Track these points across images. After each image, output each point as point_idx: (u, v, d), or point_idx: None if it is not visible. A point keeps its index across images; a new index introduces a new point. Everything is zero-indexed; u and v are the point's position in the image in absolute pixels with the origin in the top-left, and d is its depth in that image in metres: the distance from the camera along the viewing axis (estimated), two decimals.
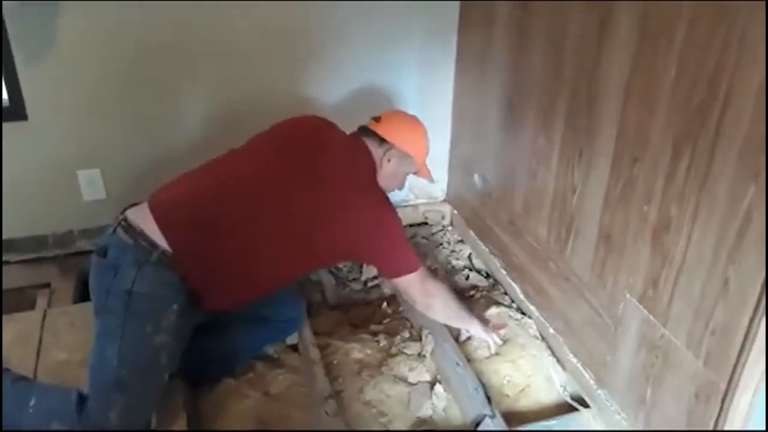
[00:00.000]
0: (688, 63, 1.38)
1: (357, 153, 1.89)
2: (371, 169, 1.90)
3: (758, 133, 1.22)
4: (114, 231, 1.64)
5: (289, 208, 1.70)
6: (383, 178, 1.92)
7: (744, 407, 1.35)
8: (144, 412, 1.59)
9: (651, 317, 1.59)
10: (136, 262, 1.57)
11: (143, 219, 1.63)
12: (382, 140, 1.92)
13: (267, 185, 1.73)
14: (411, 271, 1.87)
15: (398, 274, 1.88)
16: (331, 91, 2.50)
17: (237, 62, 2.37)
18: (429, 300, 1.95)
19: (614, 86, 1.64)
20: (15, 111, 2.18)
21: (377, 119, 1.97)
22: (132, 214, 1.66)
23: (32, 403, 1.56)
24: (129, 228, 1.62)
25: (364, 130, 1.96)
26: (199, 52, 2.30)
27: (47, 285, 2.31)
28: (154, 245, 1.60)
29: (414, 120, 2.03)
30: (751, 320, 1.28)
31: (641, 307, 1.63)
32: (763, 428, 1.35)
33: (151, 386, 1.60)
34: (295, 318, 2.11)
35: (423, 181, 2.78)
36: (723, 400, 1.38)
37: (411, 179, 2.75)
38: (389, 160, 1.92)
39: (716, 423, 1.41)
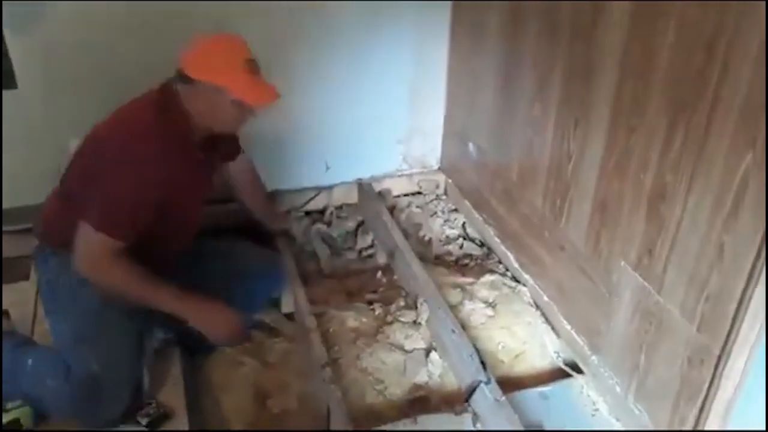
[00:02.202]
0: (686, 29, 1.37)
1: (145, 102, 1.73)
2: (147, 113, 1.69)
3: (756, 100, 1.22)
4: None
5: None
6: (202, 119, 1.72)
7: (737, 373, 1.37)
8: (121, 358, 1.65)
9: (646, 284, 1.61)
10: (43, 259, 1.82)
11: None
12: (187, 78, 1.68)
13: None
14: (102, 231, 1.61)
15: (93, 225, 1.62)
16: (321, 63, 2.47)
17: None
18: (104, 271, 1.66)
19: (611, 54, 1.63)
20: (5, 80, 2.14)
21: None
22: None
23: (30, 362, 1.66)
24: (40, 236, 1.86)
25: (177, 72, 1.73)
26: (190, 22, 2.25)
27: None
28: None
29: (215, 43, 1.73)
30: (746, 286, 1.30)
31: (636, 274, 1.64)
32: (763, 428, 1.38)
33: (111, 333, 1.67)
34: (274, 270, 2.11)
35: (417, 149, 2.81)
36: (716, 366, 1.40)
37: (405, 149, 2.78)
38: (196, 99, 1.69)
39: (709, 388, 1.43)
